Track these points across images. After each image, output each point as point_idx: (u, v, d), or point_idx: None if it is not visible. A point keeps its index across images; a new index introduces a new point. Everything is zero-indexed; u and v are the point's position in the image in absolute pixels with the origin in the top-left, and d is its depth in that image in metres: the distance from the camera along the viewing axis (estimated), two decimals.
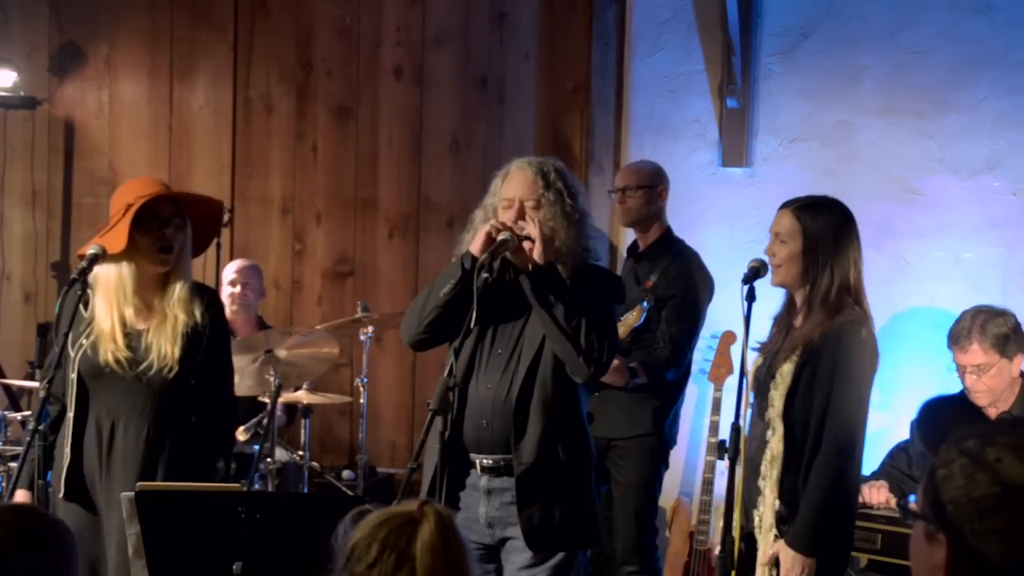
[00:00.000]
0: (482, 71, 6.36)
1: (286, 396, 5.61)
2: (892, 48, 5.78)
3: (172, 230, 3.76)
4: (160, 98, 6.70)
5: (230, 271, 5.94)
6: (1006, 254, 5.67)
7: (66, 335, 3.76)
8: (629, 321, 4.93)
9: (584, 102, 6.20)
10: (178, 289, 3.77)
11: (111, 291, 3.74)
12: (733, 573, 3.65)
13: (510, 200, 3.60)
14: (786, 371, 3.67)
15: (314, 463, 5.82)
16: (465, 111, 6.38)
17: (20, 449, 4.03)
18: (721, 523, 3.71)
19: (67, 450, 3.74)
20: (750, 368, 3.83)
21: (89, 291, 3.76)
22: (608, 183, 5.79)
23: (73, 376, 3.75)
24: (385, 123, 6.48)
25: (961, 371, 4.34)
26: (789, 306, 3.84)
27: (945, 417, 4.17)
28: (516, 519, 3.56)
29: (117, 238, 3.68)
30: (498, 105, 6.34)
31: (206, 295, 3.88)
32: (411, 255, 6.36)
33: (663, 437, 5.12)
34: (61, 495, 3.74)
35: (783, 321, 3.84)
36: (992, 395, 4.29)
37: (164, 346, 3.71)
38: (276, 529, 3.17)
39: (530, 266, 3.56)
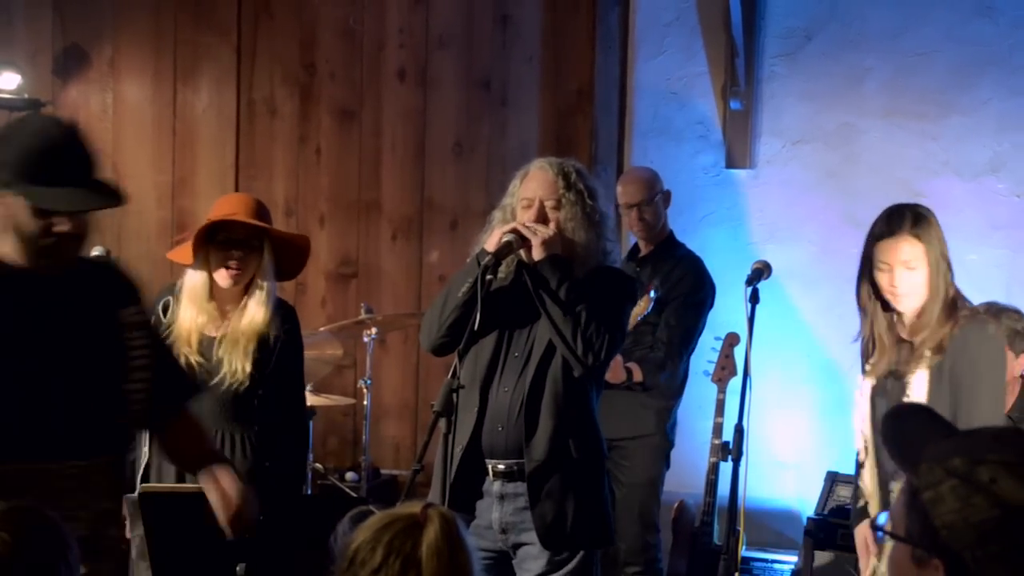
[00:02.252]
0: (485, 73, 6.36)
1: None
2: (896, 50, 5.78)
3: (241, 252, 3.87)
4: (164, 100, 6.70)
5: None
6: (1010, 256, 5.66)
7: None
8: (637, 311, 4.91)
9: (587, 104, 6.19)
10: (252, 305, 3.88)
11: (191, 297, 3.88)
12: (737, 575, 3.65)
13: (529, 200, 3.61)
14: (920, 377, 3.61)
15: (318, 465, 5.82)
16: (468, 113, 6.38)
17: None
18: (725, 524, 3.71)
19: (145, 449, 3.87)
20: (867, 389, 3.71)
21: (171, 297, 3.92)
22: (612, 185, 5.79)
23: None
24: (388, 125, 6.48)
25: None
26: (891, 323, 3.76)
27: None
28: (530, 524, 3.55)
29: (186, 250, 3.88)
30: (501, 107, 6.34)
31: (283, 311, 4.00)
32: (414, 257, 6.35)
33: (666, 437, 5.14)
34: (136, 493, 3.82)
35: (890, 336, 3.74)
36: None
37: (235, 362, 3.85)
38: (280, 531, 3.17)
39: (533, 261, 3.56)
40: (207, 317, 3.88)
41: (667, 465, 5.21)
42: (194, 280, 3.90)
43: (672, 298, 5.06)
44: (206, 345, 3.88)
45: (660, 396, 5.09)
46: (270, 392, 3.92)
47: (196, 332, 3.87)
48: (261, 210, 3.95)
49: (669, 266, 5.14)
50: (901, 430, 1.73)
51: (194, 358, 3.84)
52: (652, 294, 4.99)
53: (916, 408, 1.84)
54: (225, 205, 3.95)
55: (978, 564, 1.48)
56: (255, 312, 3.87)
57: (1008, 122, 5.67)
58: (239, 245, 3.87)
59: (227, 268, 3.85)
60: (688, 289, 5.08)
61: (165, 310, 3.94)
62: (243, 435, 3.89)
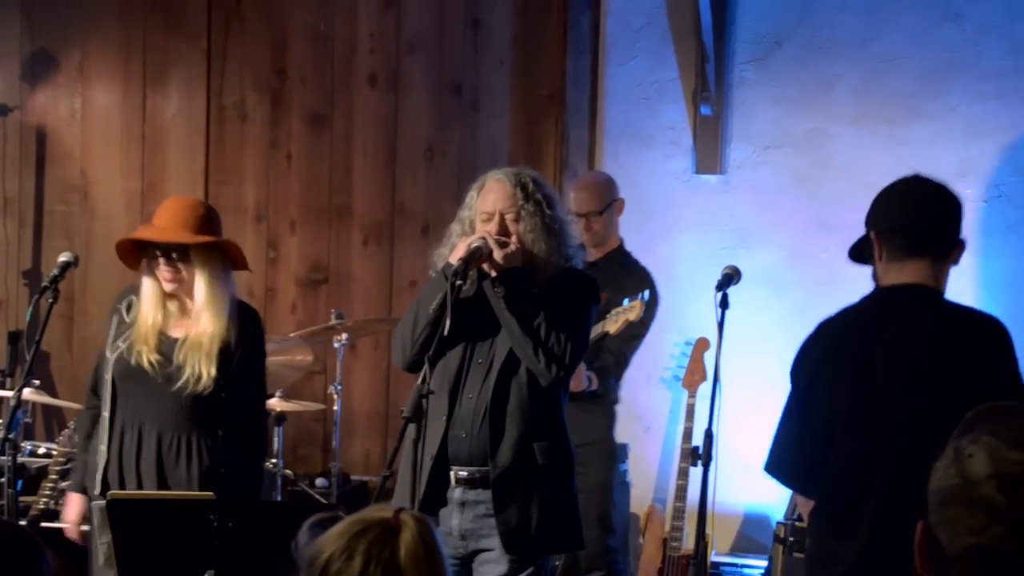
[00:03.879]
0: (457, 78, 6.36)
1: None
2: (865, 56, 5.81)
3: (170, 261, 3.88)
4: (133, 106, 6.67)
5: None
6: (979, 262, 5.70)
7: (37, 342, 3.87)
8: (631, 316, 4.89)
9: (559, 109, 6.20)
10: (204, 308, 3.87)
11: (148, 297, 3.90)
12: None
13: (489, 213, 3.61)
14: None
15: (287, 471, 5.80)
16: (440, 118, 6.37)
17: None
18: (694, 529, 3.72)
19: (103, 448, 3.87)
20: None
21: (134, 296, 3.95)
22: None
23: (108, 377, 3.90)
24: (359, 130, 6.47)
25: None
26: None
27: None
28: (490, 531, 3.56)
29: (128, 261, 3.97)
30: (473, 112, 6.34)
31: (245, 315, 4.01)
32: (386, 262, 6.34)
33: (614, 439, 5.22)
34: (97, 491, 3.85)
35: None
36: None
37: (198, 365, 3.84)
38: (248, 537, 3.16)
39: (493, 272, 3.57)
40: (164, 315, 3.90)
41: (617, 465, 5.26)
42: (148, 281, 3.93)
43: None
44: (167, 345, 3.87)
45: (604, 400, 5.13)
46: (231, 396, 3.90)
47: (155, 332, 3.87)
48: (195, 215, 3.95)
49: (619, 277, 5.15)
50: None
51: (153, 356, 3.84)
52: (643, 297, 4.96)
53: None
54: (160, 216, 4.00)
55: (935, 527, 1.59)
56: (209, 315, 3.88)
57: (976, 127, 5.70)
58: (165, 252, 3.88)
59: (164, 275, 3.88)
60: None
61: (128, 309, 3.96)
62: (200, 439, 3.87)
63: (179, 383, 3.81)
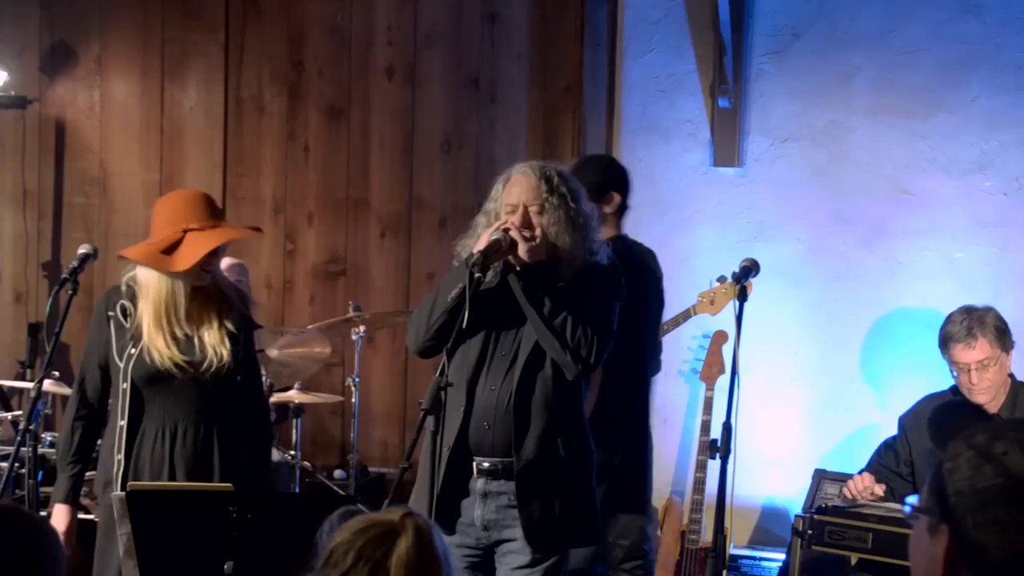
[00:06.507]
0: (474, 71, 6.36)
1: (278, 395, 5.61)
2: (883, 48, 5.79)
3: (212, 256, 3.81)
4: (151, 98, 6.69)
5: None
6: (997, 254, 5.68)
7: (57, 334, 3.81)
8: (716, 307, 4.90)
9: (576, 102, 6.20)
10: (216, 292, 3.85)
11: (162, 302, 3.78)
12: (725, 572, 3.65)
13: (513, 205, 3.61)
14: None
15: (305, 463, 5.82)
16: (457, 111, 6.38)
17: (10, 449, 4.04)
18: (712, 522, 3.72)
19: (119, 457, 3.77)
20: None
21: (128, 302, 3.83)
22: None
23: (125, 386, 3.78)
24: (377, 123, 6.48)
25: (962, 370, 4.33)
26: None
27: (955, 417, 4.24)
28: (513, 521, 3.57)
29: (183, 261, 3.74)
30: (490, 105, 6.34)
31: (240, 296, 3.97)
32: (403, 255, 6.35)
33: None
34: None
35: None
36: (994, 390, 4.32)
37: (218, 347, 3.79)
38: (267, 529, 3.17)
39: (518, 266, 3.57)
40: (175, 308, 3.78)
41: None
42: (163, 286, 3.79)
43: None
44: (183, 341, 3.80)
45: None
46: (245, 377, 3.88)
47: (171, 327, 3.77)
48: (211, 203, 3.87)
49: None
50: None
51: (178, 359, 3.76)
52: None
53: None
54: (193, 212, 3.81)
55: (977, 529, 1.52)
56: (218, 296, 3.85)
57: (995, 120, 5.68)
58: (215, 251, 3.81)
59: (204, 270, 3.78)
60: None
61: (124, 313, 3.85)
62: (226, 427, 3.83)
63: (204, 371, 3.80)
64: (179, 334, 3.80)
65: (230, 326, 3.84)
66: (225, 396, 3.84)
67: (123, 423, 3.79)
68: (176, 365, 3.75)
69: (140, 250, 3.84)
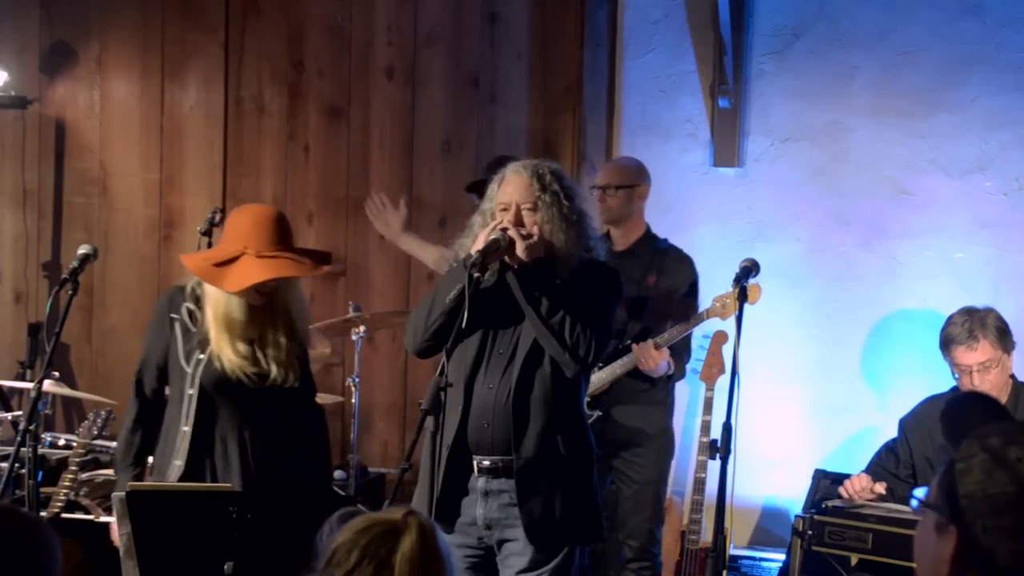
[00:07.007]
0: (474, 71, 6.36)
1: None
2: (883, 48, 5.79)
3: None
4: (151, 98, 6.69)
5: None
6: (997, 254, 5.68)
7: (57, 335, 3.81)
8: (727, 311, 4.91)
9: (576, 102, 6.19)
10: (283, 312, 3.81)
11: (220, 313, 3.74)
12: (725, 573, 3.65)
13: (506, 204, 3.63)
14: None
15: None
16: (457, 111, 6.37)
17: (10, 449, 4.04)
18: (712, 522, 3.72)
19: (178, 463, 3.74)
20: None
21: (193, 305, 3.80)
22: None
23: (192, 392, 3.75)
24: (377, 123, 6.47)
25: (964, 372, 4.33)
26: None
27: (970, 412, 4.25)
28: (515, 520, 3.57)
29: (231, 282, 3.69)
30: (490, 105, 6.34)
31: (303, 321, 3.94)
32: (403, 255, 6.33)
33: (673, 431, 5.23)
34: None
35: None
36: (996, 392, 4.31)
37: (282, 364, 3.76)
38: (267, 529, 3.17)
39: (516, 264, 3.58)
40: (242, 317, 3.74)
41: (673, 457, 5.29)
42: (221, 299, 3.74)
43: (676, 289, 5.08)
44: (249, 356, 3.76)
45: (663, 388, 5.12)
46: (303, 384, 3.87)
47: (239, 336, 3.74)
48: (283, 227, 3.81)
49: (659, 257, 5.14)
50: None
51: (248, 369, 3.73)
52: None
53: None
54: (261, 235, 3.74)
55: (987, 534, 1.52)
56: (286, 313, 3.81)
57: (995, 120, 5.68)
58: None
59: (259, 293, 3.74)
60: (692, 279, 5.11)
61: (190, 317, 3.81)
62: (283, 438, 3.82)
63: (270, 384, 3.74)
64: (242, 347, 3.75)
65: (294, 347, 3.81)
66: (293, 406, 3.83)
67: (187, 428, 3.75)
68: (245, 374, 3.72)
69: (197, 259, 3.82)
